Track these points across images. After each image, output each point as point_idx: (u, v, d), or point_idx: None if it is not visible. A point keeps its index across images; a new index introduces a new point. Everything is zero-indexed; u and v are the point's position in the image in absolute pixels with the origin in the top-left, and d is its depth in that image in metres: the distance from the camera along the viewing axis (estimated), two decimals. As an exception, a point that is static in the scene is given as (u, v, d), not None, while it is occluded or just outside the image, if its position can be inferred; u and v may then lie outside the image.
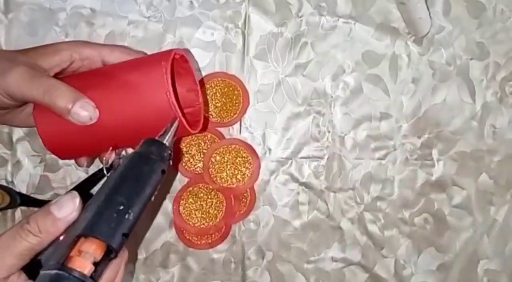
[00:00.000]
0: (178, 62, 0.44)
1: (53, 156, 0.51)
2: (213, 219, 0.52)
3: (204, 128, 0.52)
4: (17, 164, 0.52)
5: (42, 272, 0.29)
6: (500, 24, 0.55)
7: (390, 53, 0.54)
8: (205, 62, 0.53)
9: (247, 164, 0.52)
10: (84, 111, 0.37)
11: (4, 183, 0.52)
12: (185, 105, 0.46)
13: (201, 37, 0.53)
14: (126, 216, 0.31)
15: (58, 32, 0.52)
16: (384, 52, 0.54)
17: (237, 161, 0.52)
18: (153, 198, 0.34)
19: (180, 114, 0.38)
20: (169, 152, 0.36)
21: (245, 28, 0.53)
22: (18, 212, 0.52)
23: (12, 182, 0.52)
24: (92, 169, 0.52)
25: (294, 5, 0.53)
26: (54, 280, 0.29)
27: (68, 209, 0.31)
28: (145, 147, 0.35)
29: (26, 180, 0.52)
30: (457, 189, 0.54)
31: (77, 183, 0.51)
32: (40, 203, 0.51)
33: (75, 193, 0.32)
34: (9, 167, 0.52)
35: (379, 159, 0.54)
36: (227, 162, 0.52)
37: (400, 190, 0.54)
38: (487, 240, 0.54)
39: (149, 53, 0.52)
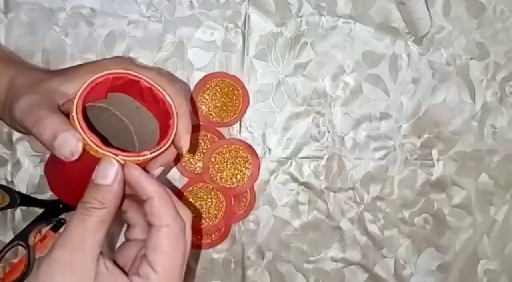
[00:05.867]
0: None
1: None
2: (213, 219, 0.52)
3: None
4: (17, 164, 0.52)
5: None
6: (500, 24, 0.55)
7: (390, 53, 0.54)
8: (205, 62, 0.53)
9: (247, 163, 0.52)
10: (64, 146, 0.32)
11: (4, 183, 0.51)
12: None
13: (201, 37, 0.53)
14: None
15: (58, 32, 0.52)
16: (384, 52, 0.54)
17: (237, 160, 0.52)
18: None
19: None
20: None
21: (245, 28, 0.53)
22: (18, 212, 0.52)
23: (12, 182, 0.52)
24: (92, 169, 0.52)
25: (294, 5, 0.53)
26: None
27: (112, 173, 0.31)
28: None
29: (26, 180, 0.52)
30: (457, 189, 0.54)
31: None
32: (40, 203, 0.51)
33: (108, 158, 0.32)
34: (9, 167, 0.52)
35: (379, 159, 0.54)
36: (227, 161, 0.52)
37: (400, 190, 0.54)
38: (487, 240, 0.54)
39: (149, 54, 0.52)
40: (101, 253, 0.31)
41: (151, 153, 0.34)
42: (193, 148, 0.52)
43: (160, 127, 0.38)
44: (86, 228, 0.30)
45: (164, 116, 0.37)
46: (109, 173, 0.31)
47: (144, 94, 0.37)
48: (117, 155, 0.32)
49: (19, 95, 0.37)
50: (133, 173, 0.33)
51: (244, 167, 0.52)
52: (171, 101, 0.36)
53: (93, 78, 0.34)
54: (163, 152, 0.35)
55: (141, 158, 0.33)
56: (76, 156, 0.32)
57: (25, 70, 0.41)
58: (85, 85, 0.34)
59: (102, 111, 0.38)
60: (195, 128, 0.52)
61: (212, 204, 0.52)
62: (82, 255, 0.30)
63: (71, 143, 0.32)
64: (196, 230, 0.52)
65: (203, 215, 0.52)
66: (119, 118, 0.40)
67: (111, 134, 0.38)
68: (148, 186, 0.33)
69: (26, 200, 0.51)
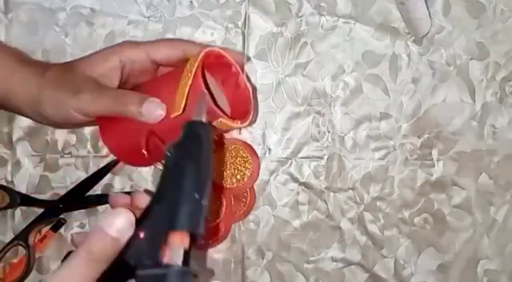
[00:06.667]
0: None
1: (53, 155, 0.52)
2: (213, 219, 0.52)
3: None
4: (17, 164, 0.52)
5: (141, 272, 0.29)
6: (500, 24, 0.54)
7: (390, 53, 0.54)
8: (205, 62, 0.53)
9: (247, 163, 0.52)
10: (154, 109, 0.39)
11: (4, 183, 0.52)
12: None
13: (201, 37, 0.53)
14: (203, 202, 0.31)
15: (58, 32, 0.52)
16: (384, 52, 0.54)
17: (237, 160, 0.52)
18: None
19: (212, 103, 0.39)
20: (210, 127, 0.36)
21: (245, 28, 0.53)
22: (18, 212, 0.52)
23: (12, 181, 0.52)
24: (92, 169, 0.52)
25: (294, 5, 0.53)
26: (177, 276, 0.29)
27: (126, 228, 0.30)
28: (188, 130, 0.34)
29: (26, 179, 0.52)
30: (457, 189, 0.54)
31: (77, 182, 0.51)
32: (40, 203, 0.51)
33: (124, 211, 0.31)
34: (9, 167, 0.52)
35: (379, 159, 0.54)
36: (227, 161, 0.52)
37: (400, 190, 0.54)
38: (487, 240, 0.54)
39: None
40: None
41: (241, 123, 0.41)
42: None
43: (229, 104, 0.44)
44: (85, 275, 0.29)
45: (239, 99, 0.43)
46: (123, 227, 0.30)
47: (226, 75, 0.43)
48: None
49: (75, 89, 0.40)
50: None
51: (244, 167, 0.52)
52: (250, 88, 0.43)
53: (206, 51, 0.39)
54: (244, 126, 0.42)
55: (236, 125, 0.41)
56: (163, 115, 0.38)
57: (42, 65, 0.43)
58: (201, 56, 0.38)
59: None
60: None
61: (212, 204, 0.52)
62: None
63: (157, 105, 0.39)
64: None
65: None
66: None
67: None
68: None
69: (26, 200, 0.51)
